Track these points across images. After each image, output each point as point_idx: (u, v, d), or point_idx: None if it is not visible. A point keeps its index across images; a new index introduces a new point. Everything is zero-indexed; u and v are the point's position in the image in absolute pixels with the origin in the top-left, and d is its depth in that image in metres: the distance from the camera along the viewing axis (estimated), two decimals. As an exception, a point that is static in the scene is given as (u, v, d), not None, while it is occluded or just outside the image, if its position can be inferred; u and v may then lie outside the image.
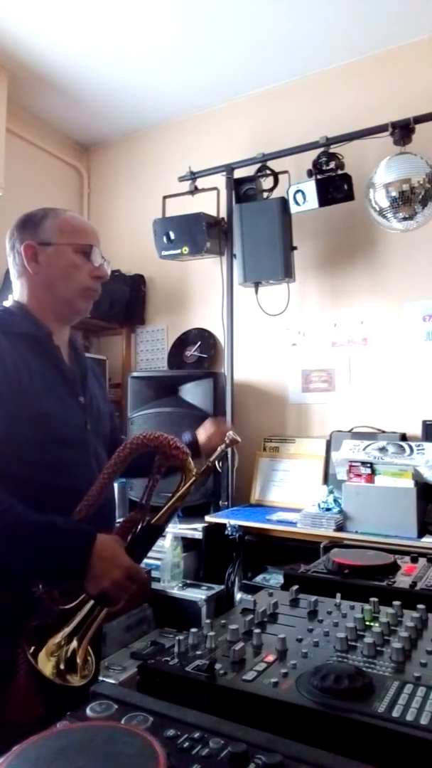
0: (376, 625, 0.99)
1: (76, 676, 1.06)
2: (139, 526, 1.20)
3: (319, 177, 2.71)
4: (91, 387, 1.40)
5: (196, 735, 0.66)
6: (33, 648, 1.06)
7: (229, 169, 3.07)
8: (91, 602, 1.11)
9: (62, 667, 1.05)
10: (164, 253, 3.11)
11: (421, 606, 1.05)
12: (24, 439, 1.17)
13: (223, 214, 3.16)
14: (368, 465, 2.33)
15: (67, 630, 1.09)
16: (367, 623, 1.00)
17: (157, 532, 1.21)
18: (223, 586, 2.66)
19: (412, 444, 2.39)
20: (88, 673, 1.09)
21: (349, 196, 2.70)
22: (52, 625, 1.09)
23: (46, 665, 1.04)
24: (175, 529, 2.74)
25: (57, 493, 1.20)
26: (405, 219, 2.56)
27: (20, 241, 1.31)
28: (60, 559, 1.10)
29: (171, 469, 1.26)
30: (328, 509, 2.41)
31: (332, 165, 2.71)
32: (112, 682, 2.12)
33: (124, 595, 1.13)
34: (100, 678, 2.21)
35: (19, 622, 1.11)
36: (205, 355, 3.34)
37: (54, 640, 1.07)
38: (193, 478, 1.24)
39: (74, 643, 1.08)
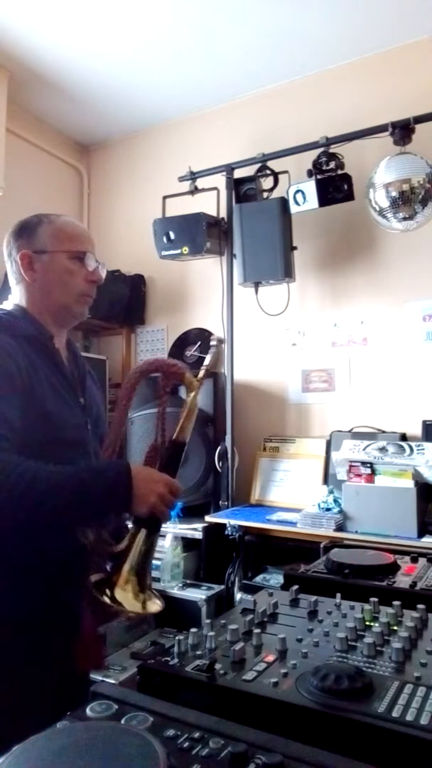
0: (376, 625, 0.99)
1: (153, 602, 1.13)
2: (165, 448, 1.27)
3: (319, 177, 2.71)
4: (89, 389, 1.45)
5: (196, 735, 0.66)
6: (105, 592, 1.10)
7: (229, 169, 3.07)
8: (141, 533, 1.16)
9: (140, 597, 1.11)
10: (164, 253, 3.11)
11: (421, 606, 1.05)
12: (30, 437, 1.20)
13: (223, 214, 3.16)
14: (368, 465, 2.33)
15: (127, 566, 1.14)
16: (367, 623, 1.00)
17: (182, 447, 1.27)
18: (223, 586, 2.66)
19: (412, 444, 2.39)
20: (159, 601, 1.15)
21: (349, 196, 2.70)
22: (111, 573, 1.15)
23: (126, 600, 1.10)
24: (175, 529, 2.74)
25: None
26: (405, 219, 2.56)
27: (16, 249, 1.35)
28: (105, 494, 1.14)
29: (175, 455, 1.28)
30: (328, 509, 2.41)
31: (332, 165, 2.71)
32: (112, 682, 2.12)
33: (168, 509, 1.19)
34: (100, 678, 2.22)
35: (80, 573, 1.17)
36: (205, 355, 3.34)
37: (122, 577, 1.13)
38: (196, 387, 1.31)
39: (136, 576, 1.13)
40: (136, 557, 1.14)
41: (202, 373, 1.35)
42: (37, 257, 1.33)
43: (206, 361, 1.37)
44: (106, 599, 1.09)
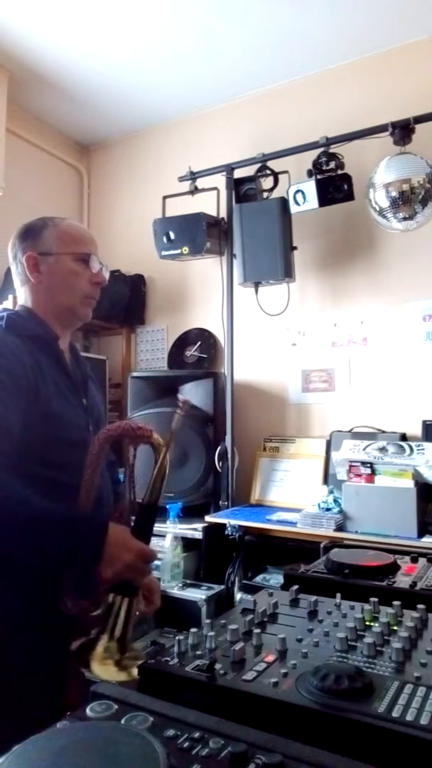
0: (376, 625, 0.99)
1: (133, 668, 1.09)
2: (134, 511, 1.25)
3: (319, 177, 2.71)
4: (91, 390, 1.46)
5: (196, 735, 0.66)
6: (86, 662, 1.08)
7: (229, 169, 3.07)
8: (117, 599, 1.13)
9: (120, 666, 1.08)
10: (164, 253, 3.11)
11: (421, 606, 1.05)
12: (34, 437, 1.21)
13: (223, 214, 3.16)
14: (368, 465, 2.33)
15: (107, 634, 1.11)
16: (367, 623, 1.00)
17: (152, 510, 1.24)
18: (223, 586, 2.66)
19: (412, 444, 2.39)
20: (141, 660, 1.13)
21: (349, 196, 2.70)
22: (92, 638, 1.12)
23: (106, 672, 1.07)
24: (175, 528, 2.74)
25: (60, 490, 1.23)
26: (405, 219, 2.56)
27: (22, 251, 1.36)
28: (72, 548, 1.13)
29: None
30: (328, 509, 2.41)
31: (332, 165, 2.71)
32: (112, 682, 2.11)
33: (139, 577, 1.17)
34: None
35: (59, 638, 1.15)
36: (205, 355, 3.34)
37: (100, 648, 1.09)
38: (164, 449, 1.29)
39: (115, 641, 1.11)
40: (115, 625, 1.12)
41: (169, 435, 1.31)
42: (42, 259, 1.35)
43: (173, 424, 1.36)
44: (87, 671, 1.07)
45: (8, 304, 2.64)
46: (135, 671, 1.04)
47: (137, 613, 1.24)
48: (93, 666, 1.07)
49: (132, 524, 1.23)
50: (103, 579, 1.12)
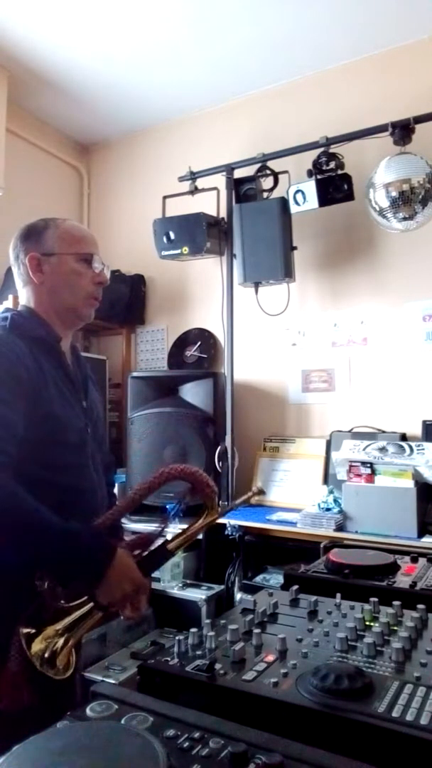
0: (376, 625, 0.99)
1: (56, 669, 1.08)
2: (155, 546, 1.25)
3: (319, 177, 2.71)
4: (90, 391, 1.46)
5: (196, 735, 0.66)
6: (28, 630, 1.08)
7: (229, 169, 3.07)
8: (91, 605, 1.13)
9: (47, 655, 1.08)
10: (164, 253, 3.11)
11: (421, 606, 1.05)
12: (35, 439, 1.21)
13: (223, 214, 3.15)
14: (368, 465, 2.33)
15: (65, 623, 1.11)
16: (367, 623, 1.00)
17: (170, 555, 1.26)
18: (223, 586, 2.66)
19: (412, 444, 2.39)
20: (68, 670, 1.11)
21: (349, 196, 2.70)
22: (47, 617, 1.11)
23: (36, 647, 1.07)
24: (175, 529, 2.74)
25: (60, 492, 1.24)
26: (405, 219, 2.56)
27: (24, 252, 1.36)
28: (78, 567, 1.13)
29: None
30: (328, 509, 2.41)
31: (332, 165, 2.71)
32: (112, 682, 2.12)
33: (127, 605, 1.18)
34: (100, 678, 2.22)
35: (14, 612, 1.12)
36: (205, 355, 3.34)
37: (54, 627, 1.10)
38: (215, 516, 1.30)
39: (63, 639, 1.10)
40: (72, 621, 1.12)
41: (229, 508, 1.35)
42: (45, 259, 1.35)
43: (239, 501, 1.37)
44: (22, 633, 1.08)
45: (8, 303, 2.64)
46: (51, 673, 1.07)
47: (122, 618, 1.26)
48: (35, 637, 1.08)
49: (145, 554, 1.24)
50: (97, 602, 1.12)
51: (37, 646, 1.07)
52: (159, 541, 1.26)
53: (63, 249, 1.35)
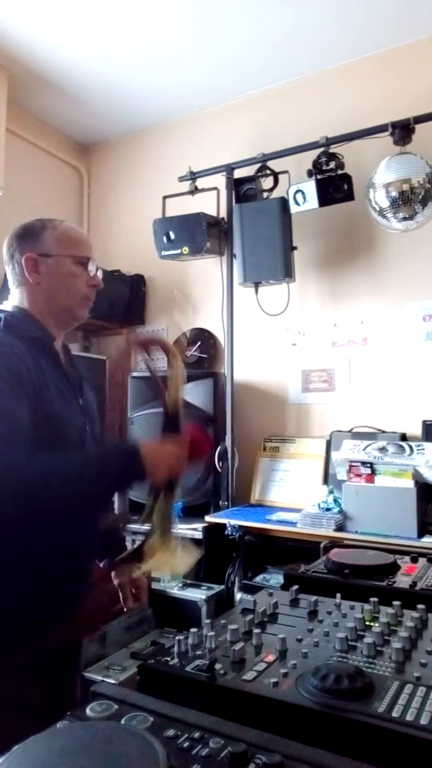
0: (376, 625, 0.99)
1: (188, 553, 1.25)
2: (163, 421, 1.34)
3: (319, 177, 2.71)
4: (86, 391, 1.47)
5: (196, 735, 0.66)
6: (140, 566, 1.22)
7: (229, 169, 3.07)
8: (160, 498, 1.27)
9: (176, 557, 1.23)
10: (164, 253, 3.11)
11: (421, 606, 1.05)
12: (36, 438, 1.21)
13: (223, 214, 3.16)
14: (368, 465, 2.33)
15: (155, 534, 1.25)
16: (367, 623, 1.00)
17: (177, 413, 1.33)
18: (223, 586, 2.66)
19: (412, 444, 2.39)
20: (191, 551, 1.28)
21: (349, 196, 2.70)
22: (137, 547, 1.27)
23: (164, 564, 1.22)
24: (175, 528, 2.74)
25: None
26: (405, 219, 2.56)
27: (20, 252, 1.35)
28: (123, 477, 1.27)
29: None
30: (328, 509, 2.41)
31: (332, 165, 2.71)
32: (112, 682, 2.12)
33: (181, 468, 1.27)
34: (100, 678, 2.22)
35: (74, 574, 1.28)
36: (205, 355, 3.34)
37: (154, 543, 1.24)
38: (179, 355, 1.41)
39: (160, 536, 1.25)
40: (161, 521, 1.26)
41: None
42: (42, 260, 1.34)
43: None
44: (140, 570, 1.20)
45: (7, 306, 2.62)
46: (190, 559, 1.25)
47: (125, 610, 1.41)
48: (148, 562, 1.21)
49: (162, 429, 1.33)
50: (156, 484, 1.26)
51: (164, 562, 1.22)
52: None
53: (61, 251, 1.35)
